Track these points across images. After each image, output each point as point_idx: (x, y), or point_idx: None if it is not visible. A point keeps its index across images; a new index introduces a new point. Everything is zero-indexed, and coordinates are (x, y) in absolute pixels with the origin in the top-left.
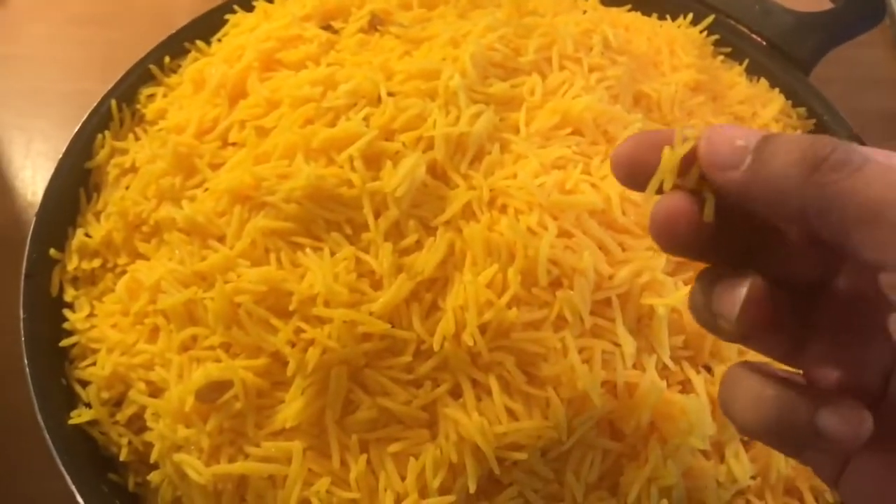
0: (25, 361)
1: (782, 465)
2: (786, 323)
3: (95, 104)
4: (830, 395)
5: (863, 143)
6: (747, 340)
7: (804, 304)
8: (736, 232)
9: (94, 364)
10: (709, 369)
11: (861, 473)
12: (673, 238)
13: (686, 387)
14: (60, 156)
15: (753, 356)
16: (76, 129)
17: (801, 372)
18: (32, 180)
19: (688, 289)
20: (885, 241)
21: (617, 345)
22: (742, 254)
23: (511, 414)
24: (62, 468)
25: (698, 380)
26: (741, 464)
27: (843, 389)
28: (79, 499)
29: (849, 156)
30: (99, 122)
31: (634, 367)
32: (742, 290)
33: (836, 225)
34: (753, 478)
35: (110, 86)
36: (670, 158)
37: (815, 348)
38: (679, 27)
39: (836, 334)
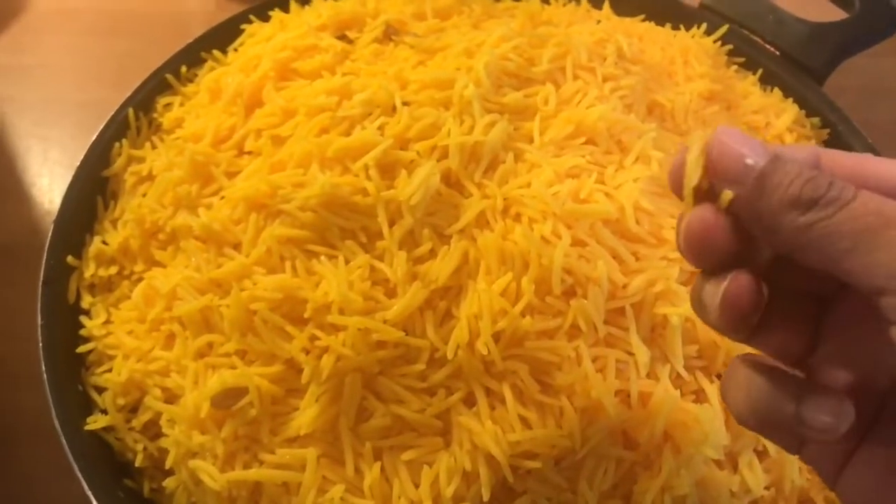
0: (43, 367)
1: (796, 475)
2: (797, 326)
3: (113, 113)
4: (817, 387)
5: (877, 154)
6: (742, 336)
7: (816, 308)
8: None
9: (110, 370)
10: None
11: (860, 473)
12: (708, 252)
13: (700, 396)
14: (77, 164)
15: None
16: (94, 138)
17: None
18: (49, 188)
19: None
20: (874, 265)
21: (631, 354)
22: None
23: (525, 422)
24: (78, 473)
25: (712, 389)
26: (755, 474)
27: (851, 390)
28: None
29: (840, 192)
30: (116, 130)
31: (648, 376)
32: (723, 285)
33: (827, 259)
34: (767, 488)
35: (126, 95)
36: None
37: (825, 350)
38: (693, 37)
39: (846, 338)
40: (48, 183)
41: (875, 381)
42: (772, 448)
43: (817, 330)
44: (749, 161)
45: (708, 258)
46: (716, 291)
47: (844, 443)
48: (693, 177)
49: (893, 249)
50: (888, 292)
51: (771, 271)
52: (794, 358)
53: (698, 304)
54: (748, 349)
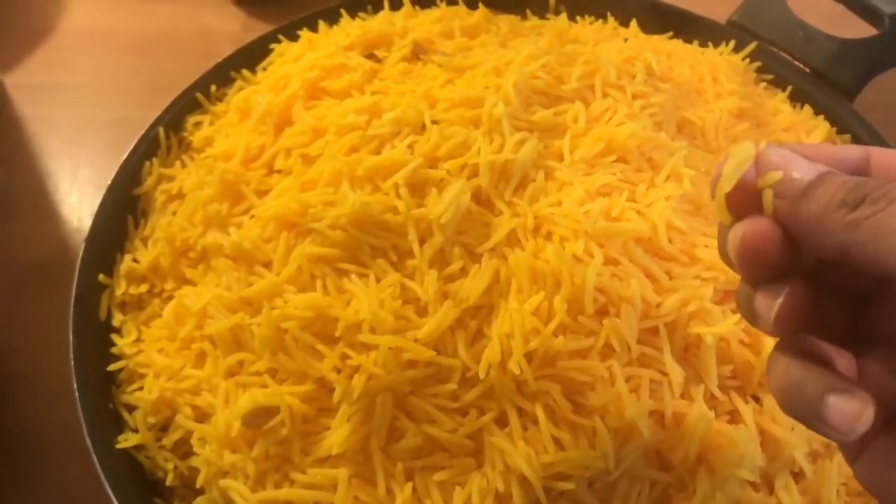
0: (74, 385)
1: (833, 497)
2: (840, 327)
3: (143, 132)
4: (844, 384)
5: None
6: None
7: (861, 309)
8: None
9: (141, 389)
10: (757, 399)
11: (873, 458)
12: (763, 264)
13: (734, 417)
14: (107, 182)
15: None
16: (124, 157)
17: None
18: (79, 206)
19: (736, 317)
20: None
21: (664, 374)
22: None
23: (558, 443)
24: (109, 491)
25: (747, 410)
26: (791, 496)
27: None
28: None
29: (888, 190)
30: (146, 149)
31: (682, 396)
32: (779, 298)
33: (876, 257)
34: None
35: (155, 114)
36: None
37: (870, 353)
38: (721, 54)
39: (890, 340)
40: (77, 201)
41: None
42: (808, 469)
43: (864, 331)
44: (796, 175)
45: (762, 270)
46: (770, 304)
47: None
48: (727, 184)
49: None
50: None
51: (814, 270)
52: (841, 343)
53: (749, 314)
54: None
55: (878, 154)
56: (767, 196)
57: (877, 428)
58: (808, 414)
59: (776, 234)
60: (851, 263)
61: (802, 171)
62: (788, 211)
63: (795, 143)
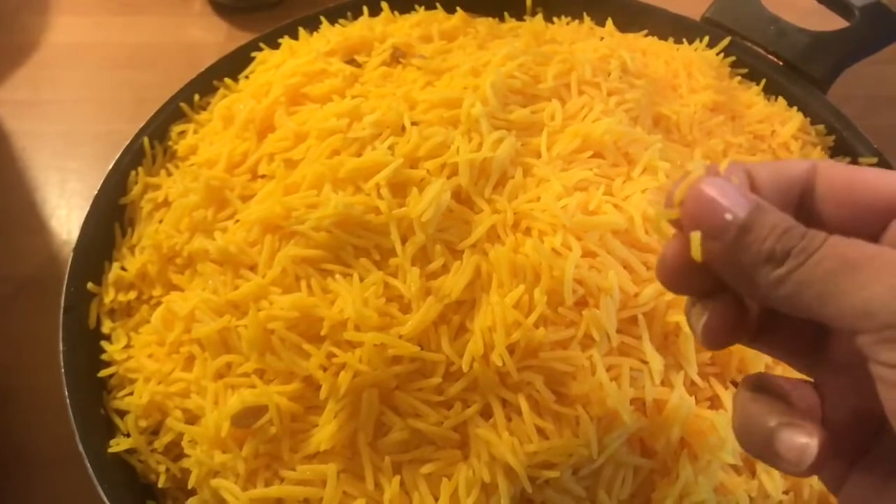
0: (66, 392)
1: (815, 480)
2: (798, 332)
3: (128, 142)
4: (796, 418)
5: (884, 159)
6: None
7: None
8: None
9: (131, 394)
10: (736, 385)
11: (855, 489)
12: (683, 285)
13: (714, 402)
14: (95, 194)
15: (781, 370)
16: (110, 167)
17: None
18: (67, 219)
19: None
20: (842, 309)
21: (644, 362)
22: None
23: (541, 433)
24: (103, 496)
25: (727, 395)
26: (773, 479)
27: (855, 412)
28: None
29: (810, 241)
30: (132, 159)
31: (662, 384)
32: (704, 317)
33: (803, 309)
34: (786, 493)
35: (141, 126)
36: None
37: (827, 365)
38: (696, 50)
39: (845, 355)
40: (66, 214)
41: (871, 405)
42: None
43: (822, 336)
44: (728, 217)
45: (684, 290)
46: (699, 318)
47: (844, 460)
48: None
49: (858, 291)
50: (861, 331)
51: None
52: (801, 362)
53: (688, 323)
54: (762, 358)
55: (825, 170)
56: (695, 241)
57: (847, 460)
58: (761, 448)
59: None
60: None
61: (736, 209)
62: (722, 254)
63: (740, 164)
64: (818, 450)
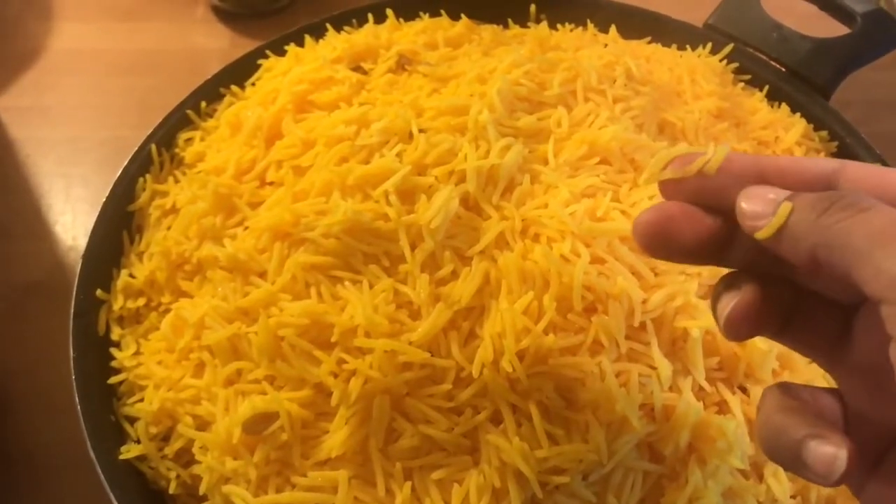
0: (76, 399)
1: None
2: (823, 327)
3: (136, 149)
4: (824, 428)
5: (886, 164)
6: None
7: (843, 312)
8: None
9: (141, 400)
10: (744, 390)
11: (876, 493)
12: (655, 242)
13: (723, 408)
14: (100, 200)
15: (788, 375)
16: (118, 174)
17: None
18: (73, 225)
19: None
20: (881, 272)
21: (653, 368)
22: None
23: (551, 438)
24: (115, 502)
25: (734, 400)
26: (780, 483)
27: (875, 414)
28: None
29: (858, 200)
30: (139, 166)
31: (671, 389)
32: (731, 302)
33: (841, 261)
34: (794, 497)
35: (146, 132)
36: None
37: (850, 364)
38: (699, 57)
39: (868, 361)
40: (71, 220)
41: (892, 408)
42: None
43: (847, 333)
44: (772, 195)
45: (660, 250)
46: (722, 307)
47: (865, 463)
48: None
49: (893, 259)
50: (889, 301)
51: (797, 274)
52: (824, 358)
53: (713, 313)
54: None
55: (852, 168)
56: (784, 211)
57: (868, 465)
58: (789, 459)
59: (682, 214)
60: (820, 271)
61: (777, 192)
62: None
63: (771, 157)
64: (847, 461)
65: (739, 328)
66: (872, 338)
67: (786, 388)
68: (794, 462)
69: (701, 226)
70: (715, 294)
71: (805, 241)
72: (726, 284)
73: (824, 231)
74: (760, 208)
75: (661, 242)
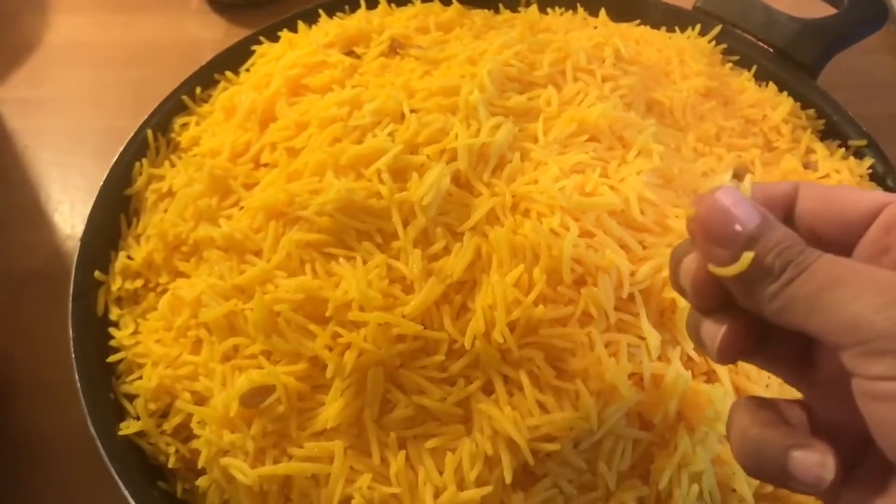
0: (76, 377)
1: None
2: (783, 353)
3: (132, 135)
4: (806, 438)
5: (873, 141)
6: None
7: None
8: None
9: (140, 378)
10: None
11: (851, 500)
12: (711, 297)
13: (711, 377)
14: (98, 188)
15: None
16: (115, 159)
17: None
18: (71, 214)
19: None
20: (829, 323)
21: (642, 338)
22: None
23: (542, 407)
24: (115, 475)
25: (722, 370)
26: None
27: (842, 428)
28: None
29: (805, 258)
30: (136, 151)
31: (659, 359)
32: (721, 330)
33: (796, 323)
34: None
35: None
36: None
37: (816, 381)
38: (688, 38)
39: (833, 372)
40: (69, 209)
41: (857, 422)
42: None
43: (811, 352)
44: (738, 227)
45: (712, 302)
46: (714, 334)
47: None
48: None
49: (843, 306)
50: (844, 346)
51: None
52: (791, 375)
53: (696, 339)
54: None
55: (805, 188)
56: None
57: (839, 478)
58: (774, 472)
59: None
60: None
61: (747, 221)
62: (729, 263)
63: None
64: (835, 465)
65: (732, 353)
66: (834, 358)
67: (756, 402)
68: (779, 475)
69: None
70: (693, 319)
71: (764, 309)
72: (703, 311)
73: (776, 300)
74: (725, 238)
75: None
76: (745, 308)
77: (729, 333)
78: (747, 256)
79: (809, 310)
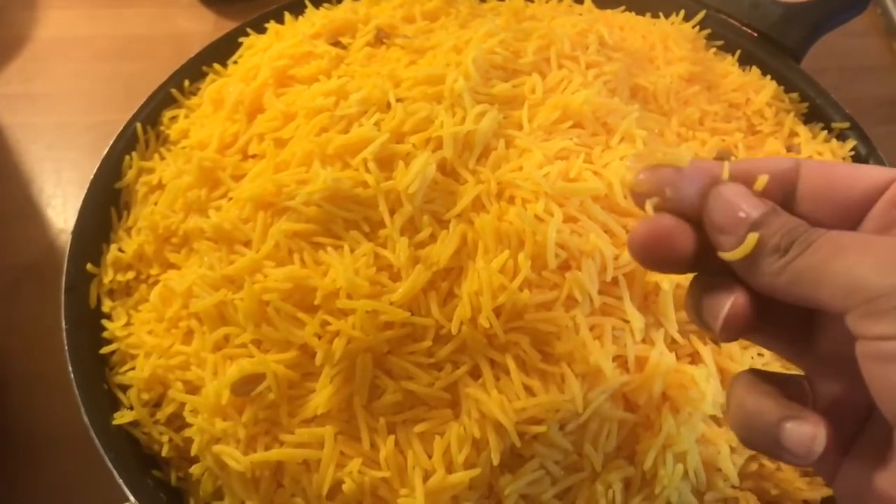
0: (70, 369)
1: None
2: (783, 329)
3: (121, 128)
4: (799, 411)
5: (856, 124)
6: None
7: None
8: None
9: (133, 368)
10: (716, 342)
11: (848, 477)
12: (653, 256)
13: (695, 358)
14: (90, 181)
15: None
16: (105, 153)
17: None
18: (63, 208)
19: None
20: (835, 290)
21: (626, 321)
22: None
23: (529, 390)
24: (110, 465)
25: (706, 351)
26: None
27: (843, 401)
28: (127, 492)
29: (809, 235)
30: (126, 144)
31: (644, 341)
32: (726, 305)
33: (803, 297)
34: None
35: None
36: None
37: (817, 355)
38: (672, 24)
39: (834, 345)
40: (62, 203)
41: (858, 395)
42: None
43: (811, 326)
44: (742, 214)
45: (656, 265)
46: (716, 311)
47: (836, 450)
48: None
49: (847, 271)
50: (848, 310)
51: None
52: (791, 351)
53: (696, 318)
54: None
55: (806, 167)
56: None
57: (839, 450)
58: (767, 443)
59: (671, 229)
60: (792, 303)
61: (752, 208)
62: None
63: (741, 161)
64: (826, 438)
65: (736, 330)
66: (836, 330)
67: (757, 375)
68: (772, 446)
69: (689, 238)
70: (693, 296)
71: (766, 280)
72: (704, 287)
73: (783, 274)
74: (729, 226)
75: (656, 259)
76: (753, 286)
77: (732, 312)
78: (752, 237)
79: (816, 280)
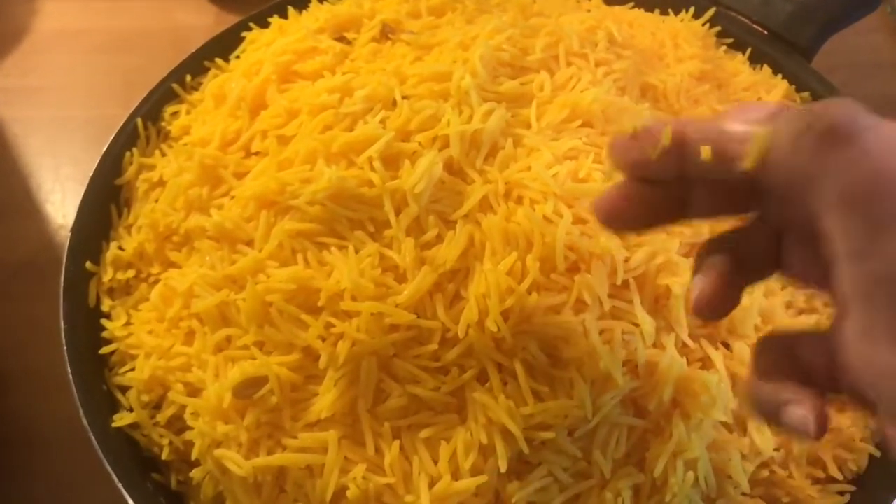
0: (68, 369)
1: None
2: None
3: (122, 124)
4: (800, 394)
5: None
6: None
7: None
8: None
9: (132, 369)
10: (727, 346)
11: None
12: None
13: (706, 363)
14: (89, 177)
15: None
16: (105, 149)
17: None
18: (62, 203)
19: None
20: (861, 226)
21: (636, 325)
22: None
23: (537, 395)
24: (109, 468)
25: (717, 356)
26: (764, 436)
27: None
28: (126, 496)
29: (854, 121)
30: (126, 140)
31: (654, 346)
32: (697, 290)
33: (816, 201)
34: (777, 450)
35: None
36: None
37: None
38: (681, 21)
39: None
40: (61, 198)
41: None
42: None
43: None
44: (754, 115)
45: (622, 224)
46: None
47: None
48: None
49: None
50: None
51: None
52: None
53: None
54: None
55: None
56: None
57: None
58: (773, 418)
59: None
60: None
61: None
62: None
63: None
64: (816, 421)
65: (708, 309)
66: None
67: (770, 344)
68: (776, 421)
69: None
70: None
71: (786, 169)
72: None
73: (808, 164)
74: (743, 129)
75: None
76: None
77: (704, 290)
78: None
79: (842, 194)
